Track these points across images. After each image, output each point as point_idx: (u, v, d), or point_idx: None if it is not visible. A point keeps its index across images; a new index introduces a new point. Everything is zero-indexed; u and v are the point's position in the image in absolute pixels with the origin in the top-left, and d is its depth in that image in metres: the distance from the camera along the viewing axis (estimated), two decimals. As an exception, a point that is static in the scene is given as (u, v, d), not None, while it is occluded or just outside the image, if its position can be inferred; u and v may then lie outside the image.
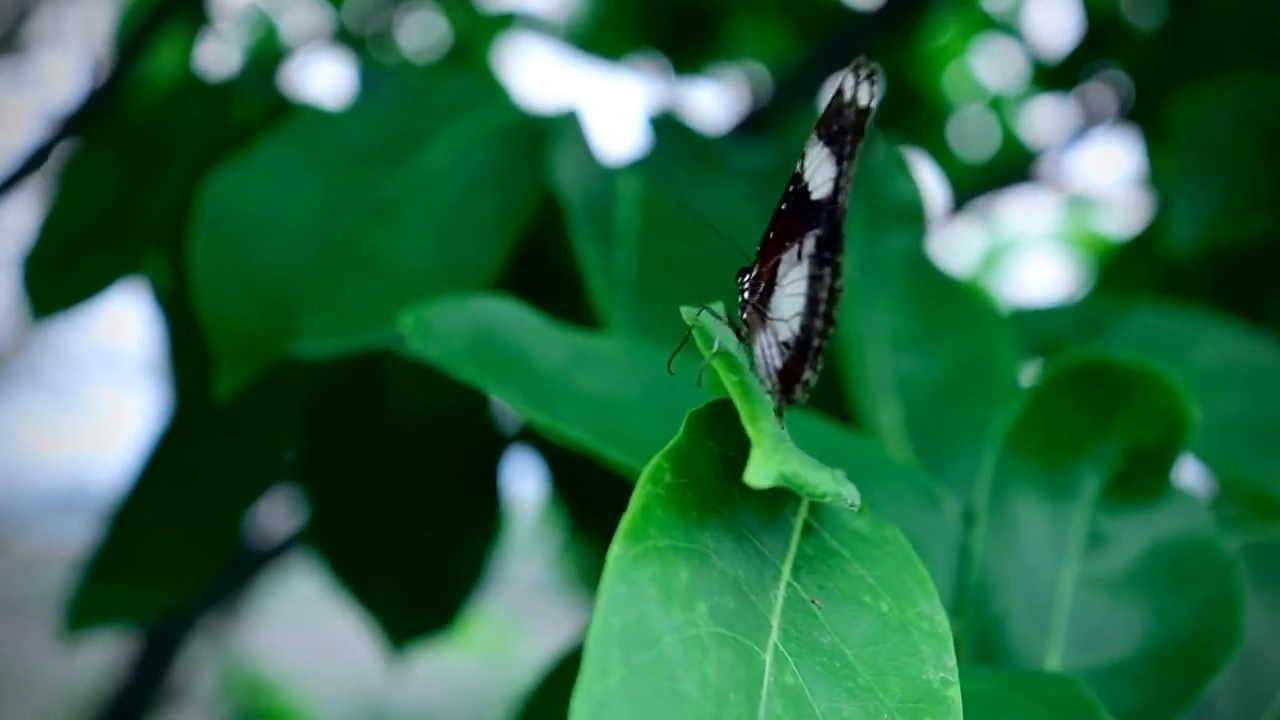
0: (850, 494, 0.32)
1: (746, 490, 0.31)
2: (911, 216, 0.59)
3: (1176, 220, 0.69)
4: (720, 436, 0.33)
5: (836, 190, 0.33)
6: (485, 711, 2.57)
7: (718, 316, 0.34)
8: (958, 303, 0.57)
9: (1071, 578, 0.44)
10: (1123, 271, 0.86)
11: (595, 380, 0.45)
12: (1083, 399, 0.46)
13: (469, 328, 0.44)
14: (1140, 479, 0.46)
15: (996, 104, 1.51)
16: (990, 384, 0.55)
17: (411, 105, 0.61)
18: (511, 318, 0.45)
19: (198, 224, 0.57)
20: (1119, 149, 1.34)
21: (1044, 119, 1.43)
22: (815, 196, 0.33)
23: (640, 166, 0.63)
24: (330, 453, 0.72)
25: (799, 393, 0.34)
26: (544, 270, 0.65)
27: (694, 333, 0.33)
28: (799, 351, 0.33)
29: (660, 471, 0.31)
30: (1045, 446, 0.46)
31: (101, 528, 0.76)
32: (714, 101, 1.35)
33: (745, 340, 0.34)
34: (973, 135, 1.50)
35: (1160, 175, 1.24)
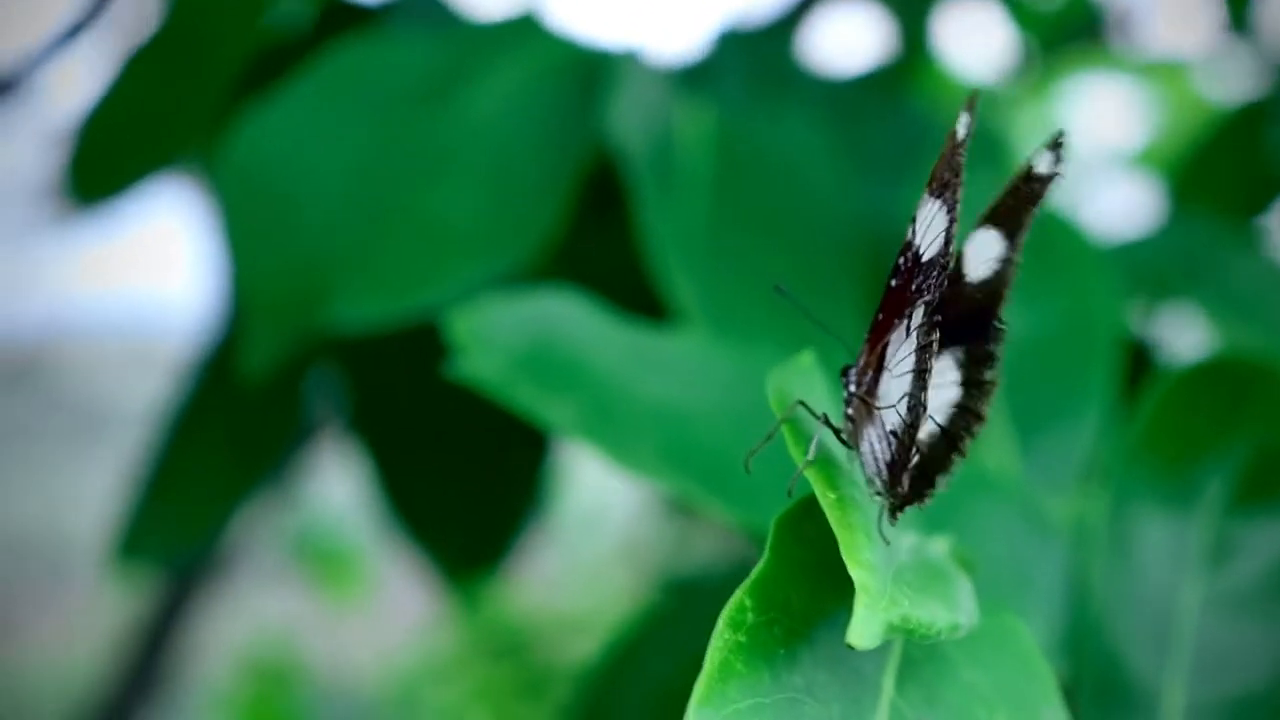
0: (967, 617, 0.28)
1: (842, 591, 0.27)
2: (998, 154, 0.53)
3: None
4: (813, 539, 0.28)
5: (947, 241, 0.28)
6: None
7: (812, 410, 0.29)
8: (1056, 245, 0.52)
9: (1197, 596, 0.40)
10: (1210, 169, 0.78)
11: (663, 385, 0.40)
12: (1208, 396, 0.41)
13: (525, 335, 0.40)
14: (1273, 481, 0.41)
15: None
16: (1094, 343, 0.50)
17: (448, 36, 0.56)
18: (571, 318, 0.41)
19: (229, 176, 0.52)
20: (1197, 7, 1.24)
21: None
22: (927, 256, 0.28)
23: (709, 94, 0.57)
24: (382, 386, 0.68)
25: (913, 488, 0.29)
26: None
27: (785, 430, 0.28)
28: (907, 439, 0.28)
29: (742, 613, 0.26)
30: (1165, 450, 0.41)
31: (146, 455, 0.72)
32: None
33: (849, 439, 0.29)
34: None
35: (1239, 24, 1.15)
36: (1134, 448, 0.40)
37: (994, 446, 0.46)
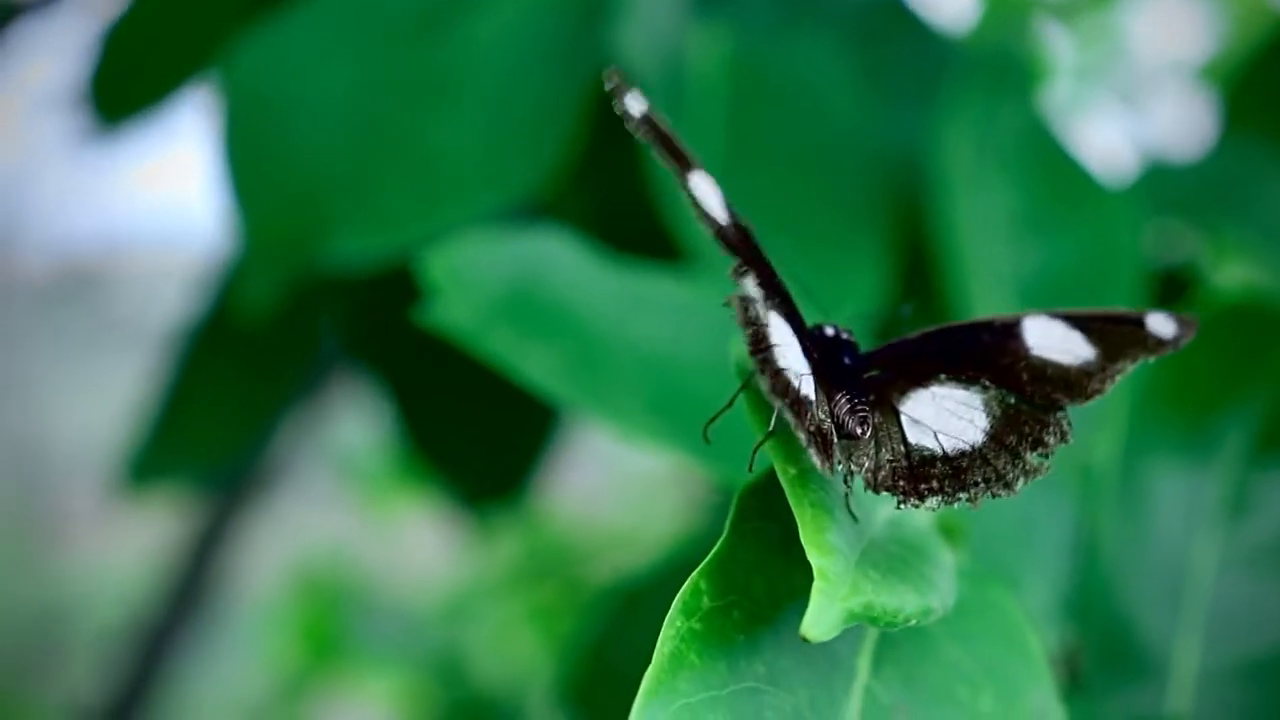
0: (941, 599, 0.26)
1: (811, 568, 0.25)
2: (1029, 81, 0.51)
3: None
4: (779, 511, 0.26)
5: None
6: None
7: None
8: (1082, 182, 0.50)
9: (1213, 553, 0.38)
10: (1263, 83, 0.73)
11: (653, 330, 0.38)
12: (1228, 341, 0.39)
13: (506, 277, 0.38)
14: (1296, 432, 0.39)
15: None
16: (1114, 279, 0.47)
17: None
18: (558, 259, 0.39)
19: (227, 108, 0.51)
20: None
21: None
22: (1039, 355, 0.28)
23: (725, 15, 0.55)
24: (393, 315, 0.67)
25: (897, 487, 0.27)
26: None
27: (744, 400, 0.27)
28: (938, 466, 0.27)
29: (696, 598, 0.24)
30: (1182, 397, 0.39)
31: (162, 380, 0.71)
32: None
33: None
34: None
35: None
36: (1148, 394, 0.38)
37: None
